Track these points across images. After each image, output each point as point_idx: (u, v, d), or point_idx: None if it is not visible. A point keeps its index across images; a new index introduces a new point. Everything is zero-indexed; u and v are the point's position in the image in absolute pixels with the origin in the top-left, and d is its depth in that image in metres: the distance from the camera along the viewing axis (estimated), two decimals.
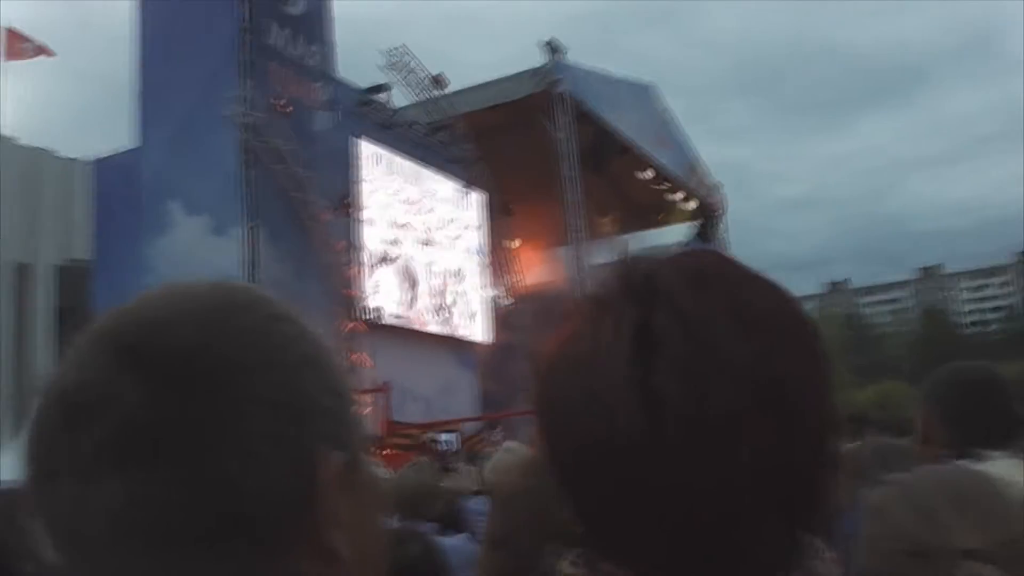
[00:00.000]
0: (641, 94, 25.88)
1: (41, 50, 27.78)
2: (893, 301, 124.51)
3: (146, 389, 0.60)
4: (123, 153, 17.83)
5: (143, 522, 0.60)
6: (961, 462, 1.56)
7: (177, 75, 15.92)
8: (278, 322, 0.69)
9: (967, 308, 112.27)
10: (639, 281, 0.76)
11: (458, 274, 20.53)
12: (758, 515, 0.70)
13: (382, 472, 4.00)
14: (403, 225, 18.72)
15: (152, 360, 0.61)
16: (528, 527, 1.74)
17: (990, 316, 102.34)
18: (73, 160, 27.19)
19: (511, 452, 4.22)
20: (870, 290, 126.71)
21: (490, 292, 21.84)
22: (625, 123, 23.29)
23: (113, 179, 18.10)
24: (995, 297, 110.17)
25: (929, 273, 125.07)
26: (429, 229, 19.58)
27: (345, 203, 16.71)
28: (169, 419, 0.60)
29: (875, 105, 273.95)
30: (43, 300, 27.00)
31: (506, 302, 22.53)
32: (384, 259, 18.01)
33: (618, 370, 0.71)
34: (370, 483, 0.71)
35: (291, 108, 15.82)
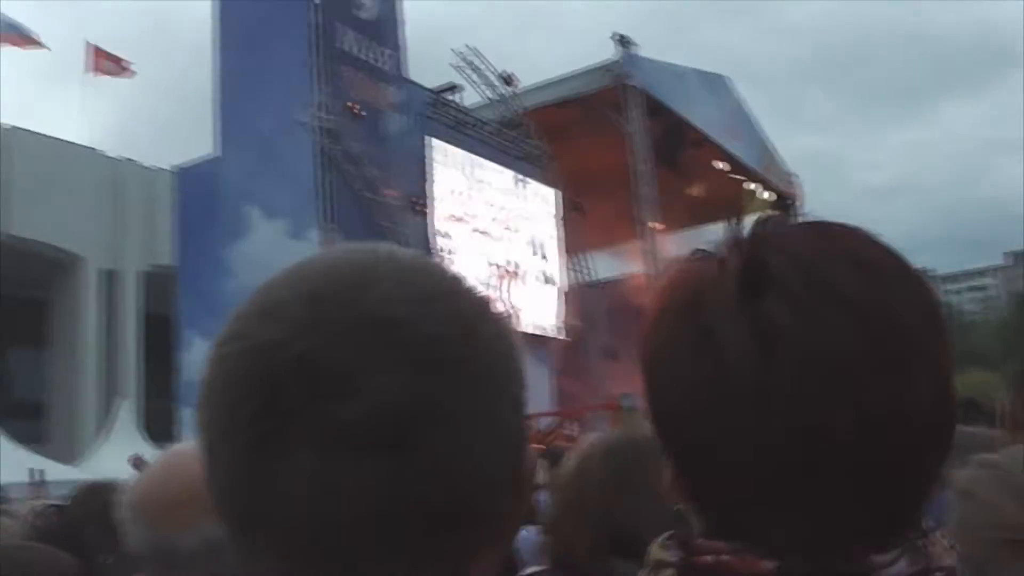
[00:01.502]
0: (714, 86, 25.59)
1: (123, 68, 28.70)
2: (981, 288, 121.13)
3: (410, 371, 0.59)
4: (203, 161, 18.30)
5: (389, 504, 0.59)
6: None
7: (254, 83, 16.29)
8: (492, 306, 0.69)
9: None
10: (749, 230, 0.75)
11: (532, 270, 20.58)
12: (870, 475, 0.67)
13: None
14: (475, 223, 18.82)
15: (416, 342, 0.60)
16: (570, 513, 1.79)
17: None
18: (156, 169, 28.03)
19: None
20: (955, 277, 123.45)
21: (563, 287, 21.84)
22: (698, 115, 23.08)
23: (194, 186, 18.59)
24: None
25: (1018, 258, 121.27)
26: (501, 226, 19.65)
27: (418, 203, 16.89)
28: (431, 404, 0.59)
29: (960, 89, 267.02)
30: (130, 305, 27.85)
31: (580, 297, 22.52)
32: (456, 257, 18.17)
33: (729, 303, 0.69)
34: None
35: (364, 111, 16.07)
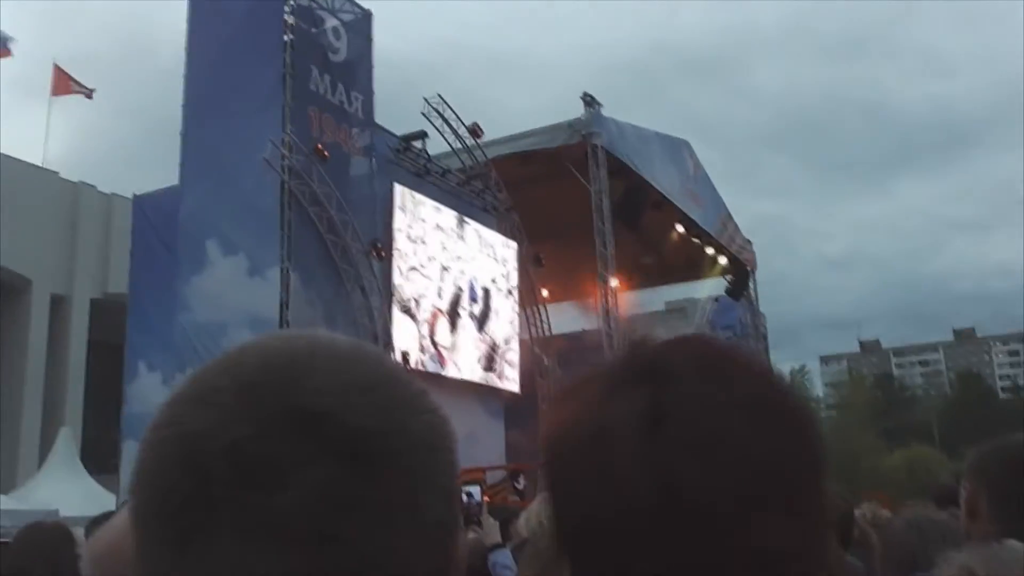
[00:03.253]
0: (676, 149, 26.08)
1: (84, 94, 28.59)
2: (926, 363, 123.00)
3: (336, 464, 0.59)
4: (163, 190, 18.20)
5: None
6: (1013, 541, 1.57)
7: (221, 116, 16.28)
8: (426, 397, 0.69)
9: (1001, 372, 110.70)
10: (647, 362, 0.78)
11: (486, 321, 20.62)
12: None
13: None
14: (432, 271, 18.86)
15: (343, 435, 0.61)
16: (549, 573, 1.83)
17: None
18: (114, 196, 27.80)
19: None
20: (903, 351, 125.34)
21: (518, 340, 21.90)
22: (659, 177, 23.49)
23: (153, 216, 18.47)
24: None
25: (963, 336, 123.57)
26: (459, 276, 19.70)
27: (378, 247, 16.92)
28: (355, 498, 0.60)
29: (917, 165, 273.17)
30: (77, 332, 27.44)
31: (534, 351, 22.58)
32: (413, 304, 18.15)
33: (630, 443, 0.72)
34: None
35: (330, 153, 16.14)
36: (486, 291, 20.51)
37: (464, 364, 19.49)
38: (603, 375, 0.81)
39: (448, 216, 19.48)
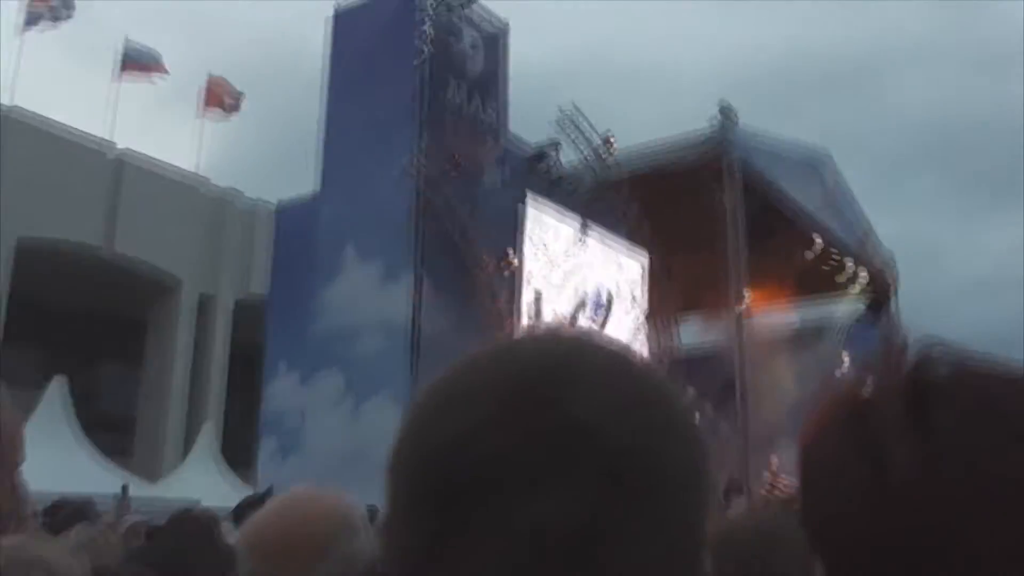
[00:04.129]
0: (815, 162, 25.42)
1: (235, 104, 29.94)
2: None
3: (596, 485, 0.59)
4: (303, 198, 18.83)
5: None
6: None
7: (359, 126, 16.79)
8: (691, 420, 0.67)
9: None
10: (911, 359, 0.75)
11: (616, 335, 20.54)
12: None
13: None
14: (556, 278, 18.86)
15: (607, 454, 0.60)
16: None
17: None
18: (258, 200, 28.96)
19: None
20: None
21: (647, 354, 21.75)
22: (796, 192, 22.91)
23: (293, 222, 19.11)
24: None
25: None
26: (581, 283, 19.66)
27: (508, 259, 17.07)
28: (616, 522, 0.59)
29: None
30: (221, 331, 28.63)
31: (664, 366, 22.39)
32: (542, 316, 18.22)
33: (895, 414, 0.69)
34: None
35: (463, 163, 16.41)
36: (609, 300, 20.36)
37: None
38: (861, 372, 0.78)
39: (571, 222, 19.42)
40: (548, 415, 0.60)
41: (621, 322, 20.86)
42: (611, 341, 0.70)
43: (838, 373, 27.34)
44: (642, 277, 21.59)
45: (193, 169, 29.43)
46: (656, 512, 0.61)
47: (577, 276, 19.41)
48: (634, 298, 21.29)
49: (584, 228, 19.61)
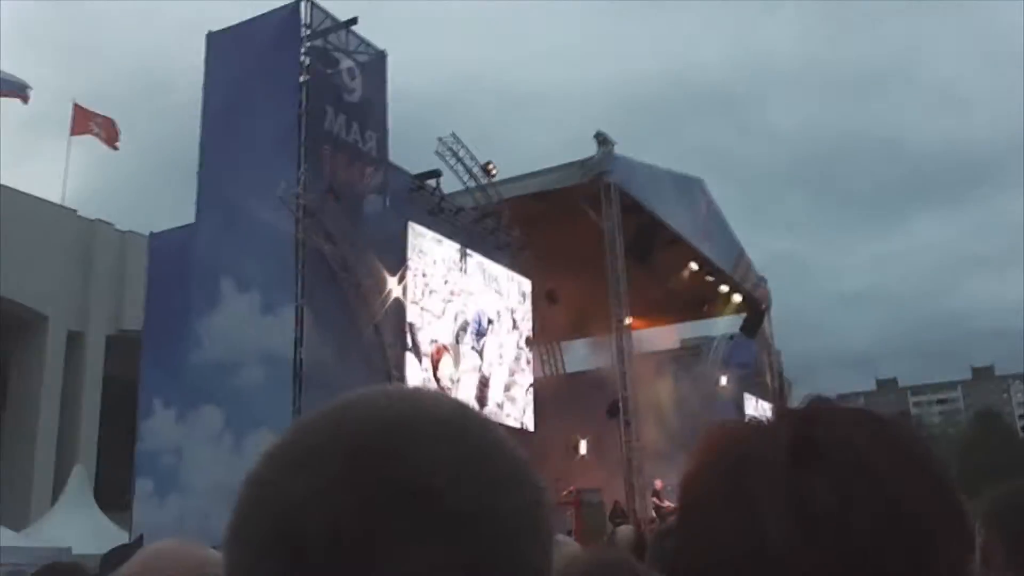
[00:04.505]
0: (689, 187, 26.22)
1: (110, 133, 29.00)
2: (944, 402, 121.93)
3: (440, 546, 0.59)
4: (179, 228, 18.36)
5: None
6: None
7: (236, 156, 16.49)
8: (528, 469, 0.69)
9: (1021, 412, 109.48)
10: (797, 412, 0.78)
11: (502, 360, 20.63)
12: None
13: None
14: (434, 304, 18.84)
15: (448, 514, 0.61)
16: None
17: None
18: (130, 233, 28.09)
19: (562, 545, 4.31)
20: (922, 389, 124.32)
21: (532, 379, 21.88)
22: (672, 215, 23.60)
23: (168, 253, 18.57)
24: None
25: (982, 374, 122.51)
26: (462, 309, 19.69)
27: (388, 288, 17.01)
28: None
29: (934, 203, 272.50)
30: (92, 368, 27.60)
31: (548, 389, 22.57)
32: (428, 344, 18.19)
33: (775, 472, 0.71)
34: None
35: (344, 192, 16.29)
36: (490, 323, 20.40)
37: (466, 399, 19.46)
38: (746, 422, 0.81)
39: (450, 249, 19.44)
40: (385, 476, 0.60)
41: (503, 346, 20.95)
42: (446, 397, 0.71)
43: (717, 389, 28.15)
44: (523, 301, 21.72)
45: (59, 201, 28.38)
46: (502, 568, 0.61)
47: (458, 302, 19.42)
48: (515, 323, 21.40)
49: (463, 254, 19.66)
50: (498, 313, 20.79)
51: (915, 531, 0.70)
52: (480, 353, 20.14)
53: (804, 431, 0.73)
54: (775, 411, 0.79)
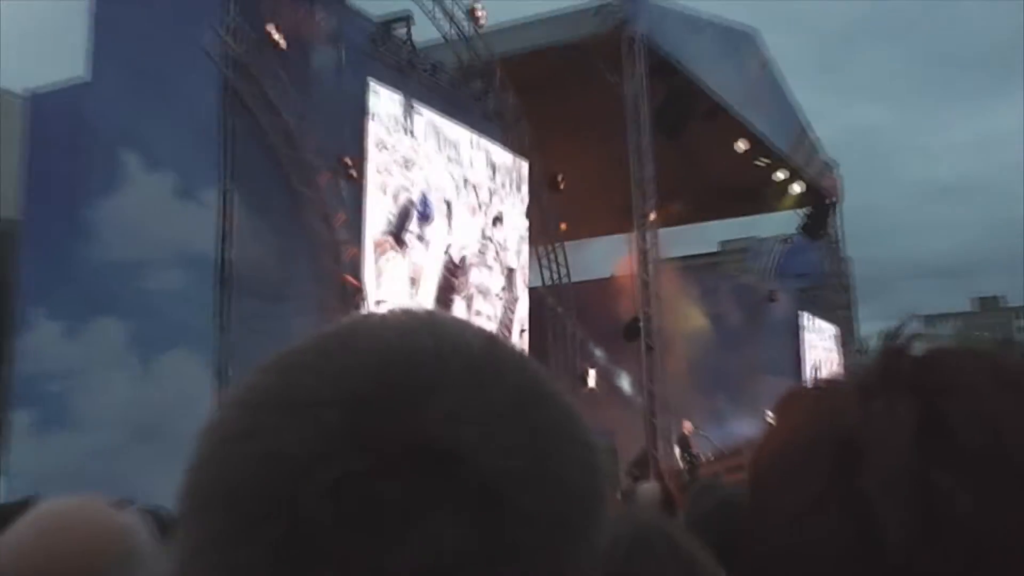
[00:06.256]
0: (738, 42, 26.00)
1: None
2: None
3: (469, 516, 0.60)
4: (67, 87, 18.21)
5: None
6: None
7: None
8: (577, 420, 0.70)
9: None
10: (915, 366, 0.78)
11: (486, 258, 20.64)
12: None
13: None
14: (418, 197, 18.73)
15: (478, 479, 0.62)
16: None
17: None
18: (3, 92, 27.83)
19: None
20: None
21: (527, 284, 21.99)
22: (714, 78, 23.42)
23: (53, 120, 18.44)
24: None
25: None
26: (452, 202, 19.61)
27: (347, 165, 16.96)
28: (491, 558, 0.61)
29: None
30: None
31: (547, 298, 22.70)
32: (394, 239, 18.15)
33: (898, 468, 0.71)
34: None
35: (287, 41, 16.14)
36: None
37: (462, 312, 19.42)
38: (848, 382, 0.81)
39: (442, 125, 19.17)
40: (403, 433, 0.61)
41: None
42: (473, 326, 0.72)
43: (767, 306, 28.28)
44: (510, 186, 21.42)
45: None
46: (543, 543, 0.63)
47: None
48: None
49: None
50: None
51: None
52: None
53: (932, 403, 0.74)
54: (883, 356, 0.80)
